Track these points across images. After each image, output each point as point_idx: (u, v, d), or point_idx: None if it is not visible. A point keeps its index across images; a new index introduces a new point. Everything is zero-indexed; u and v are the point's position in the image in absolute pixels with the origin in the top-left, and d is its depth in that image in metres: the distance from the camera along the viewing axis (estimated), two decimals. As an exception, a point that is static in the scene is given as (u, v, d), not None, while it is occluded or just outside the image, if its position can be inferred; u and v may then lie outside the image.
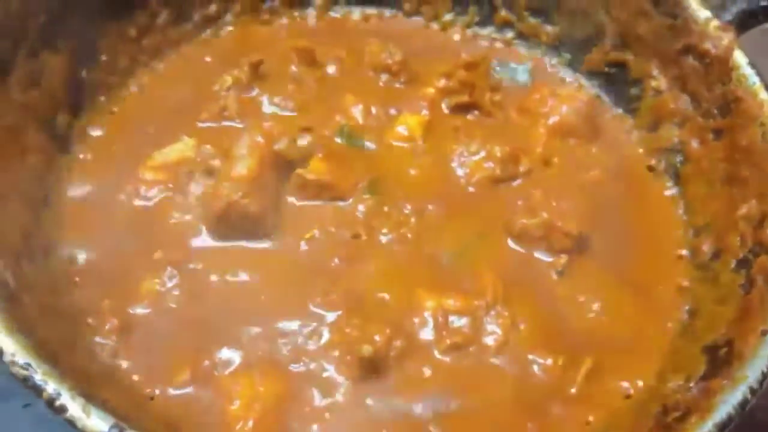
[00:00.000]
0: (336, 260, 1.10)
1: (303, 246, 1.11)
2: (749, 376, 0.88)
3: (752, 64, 1.17)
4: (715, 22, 1.21)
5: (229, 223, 1.09)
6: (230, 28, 1.40)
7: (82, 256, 1.07)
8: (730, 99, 1.17)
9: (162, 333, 1.01)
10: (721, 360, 0.95)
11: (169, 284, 1.05)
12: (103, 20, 1.25)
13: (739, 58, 1.17)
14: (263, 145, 1.14)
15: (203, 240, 1.10)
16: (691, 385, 0.95)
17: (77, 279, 1.05)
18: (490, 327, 1.05)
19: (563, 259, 1.13)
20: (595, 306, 1.10)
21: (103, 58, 1.26)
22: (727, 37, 1.19)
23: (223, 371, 0.99)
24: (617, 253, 1.17)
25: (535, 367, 1.02)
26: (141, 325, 1.02)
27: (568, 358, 1.03)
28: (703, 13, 1.22)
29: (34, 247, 1.03)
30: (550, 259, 1.14)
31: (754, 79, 1.15)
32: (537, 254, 1.14)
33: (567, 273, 1.12)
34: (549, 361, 1.03)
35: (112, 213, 1.12)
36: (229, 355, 1.00)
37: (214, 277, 1.07)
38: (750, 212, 1.09)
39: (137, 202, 1.13)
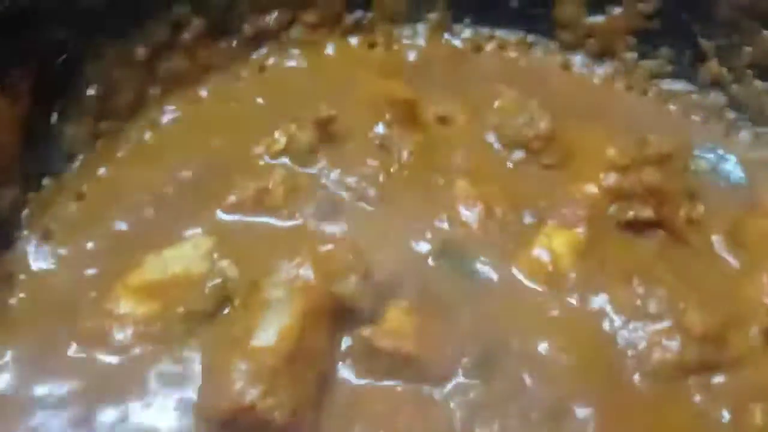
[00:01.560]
0: None
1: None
2: None
3: None
4: None
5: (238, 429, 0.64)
6: (295, 50, 0.92)
7: None
8: None
9: None
10: None
11: None
12: (92, 32, 0.78)
13: None
14: (315, 286, 0.68)
15: (196, 445, 0.66)
16: None
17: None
18: None
19: None
20: None
21: (90, 92, 0.80)
22: None
23: None
24: None
25: None
26: None
27: None
28: None
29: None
30: None
31: None
32: None
33: None
34: None
35: (57, 373, 0.68)
36: None
37: None
38: None
39: (95, 361, 0.69)
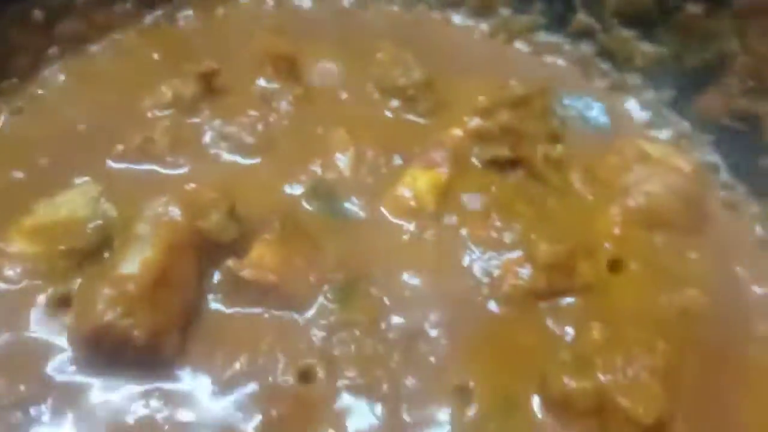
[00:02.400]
0: (260, 419, 0.70)
1: (218, 393, 0.72)
2: None
3: None
4: None
5: (103, 350, 0.70)
6: (188, 11, 0.98)
7: None
8: None
9: None
10: None
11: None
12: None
13: None
14: (179, 222, 0.74)
15: (68, 371, 0.71)
16: None
17: None
18: None
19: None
20: None
21: (-9, 52, 0.86)
22: None
23: None
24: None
25: None
26: None
27: None
28: None
29: None
30: (599, 450, 0.72)
31: None
32: (579, 435, 0.72)
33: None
34: None
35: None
36: None
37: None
38: None
39: (-8, 285, 0.75)
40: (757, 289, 0.84)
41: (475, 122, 0.89)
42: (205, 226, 0.76)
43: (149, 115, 0.89)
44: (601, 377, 0.72)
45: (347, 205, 0.85)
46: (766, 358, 0.79)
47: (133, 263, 0.72)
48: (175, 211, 0.75)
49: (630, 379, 0.72)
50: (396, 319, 0.78)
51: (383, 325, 0.77)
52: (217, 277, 0.77)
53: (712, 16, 0.89)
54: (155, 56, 0.94)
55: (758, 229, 0.88)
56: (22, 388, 0.70)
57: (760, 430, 0.75)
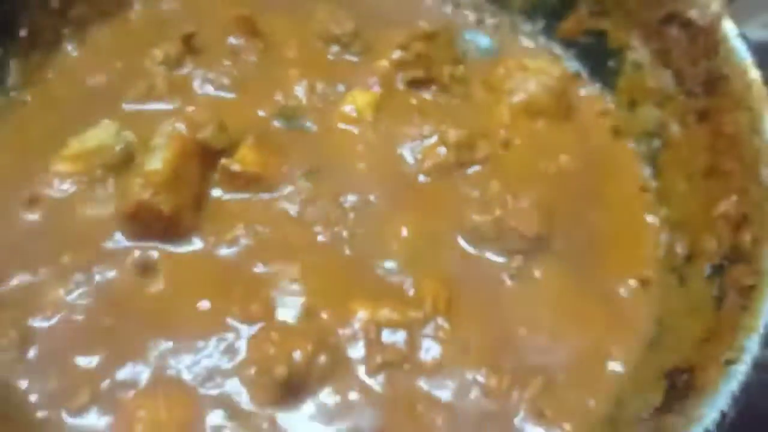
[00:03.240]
0: (260, 265, 0.97)
1: (223, 249, 0.99)
2: (706, 414, 0.74)
3: (743, 36, 1.00)
4: (702, -12, 1.04)
5: (142, 223, 0.97)
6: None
7: (-21, 261, 0.96)
8: (716, 76, 1.01)
9: (64, 347, 0.90)
10: (679, 390, 0.82)
11: (77, 292, 0.93)
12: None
13: (728, 28, 1.01)
14: (185, 135, 1.01)
15: (116, 241, 0.98)
16: (646, 416, 0.82)
17: (-25, 289, 0.94)
18: (427, 343, 0.92)
19: (517, 261, 1.00)
20: (552, 316, 0.96)
21: (22, 33, 1.12)
22: (714, 4, 1.02)
23: (125, 393, 0.88)
24: (580, 255, 1.03)
25: (476, 391, 0.90)
26: (42, 338, 0.91)
27: (514, 379, 0.91)
28: (688, -23, 1.05)
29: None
30: (503, 261, 1.00)
31: (743, 55, 0.99)
32: (489, 255, 1.01)
33: (521, 277, 0.99)
34: (492, 382, 0.90)
35: (15, 210, 1.00)
36: (134, 373, 0.89)
37: (125, 284, 0.95)
38: (729, 211, 0.94)
39: (47, 196, 1.01)
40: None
41: (396, 54, 1.17)
42: (203, 136, 1.03)
43: (148, 70, 1.15)
44: (498, 211, 1.01)
45: (306, 123, 1.13)
46: (618, 191, 1.09)
47: (156, 162, 0.98)
48: (181, 127, 1.02)
49: (517, 210, 1.01)
50: (350, 194, 1.05)
51: (341, 199, 1.04)
52: (216, 176, 1.05)
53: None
54: (147, 30, 1.21)
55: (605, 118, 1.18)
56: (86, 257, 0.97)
57: (614, 237, 1.05)
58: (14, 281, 0.94)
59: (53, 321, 0.92)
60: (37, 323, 0.92)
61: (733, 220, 0.93)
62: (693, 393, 0.78)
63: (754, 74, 0.97)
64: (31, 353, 0.90)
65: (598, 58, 1.19)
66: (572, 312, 0.97)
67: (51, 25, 1.15)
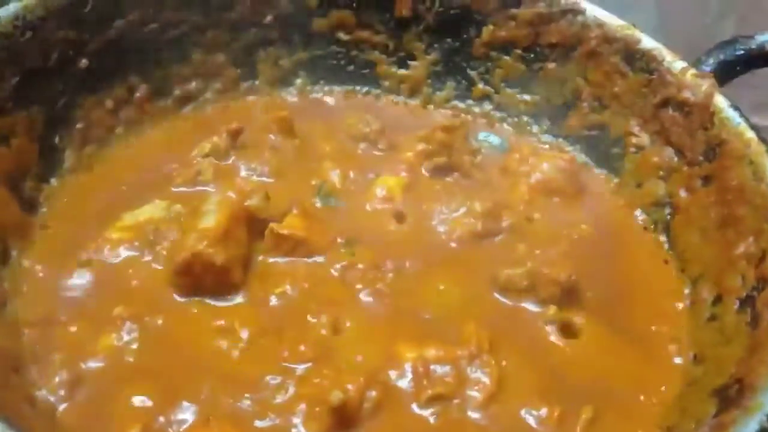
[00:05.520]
0: (308, 316, 0.98)
1: (273, 300, 1.00)
2: (764, 403, 0.74)
3: (734, 106, 1.10)
4: (692, 71, 1.15)
5: (193, 275, 0.98)
6: (211, 105, 1.35)
7: (35, 311, 0.95)
8: (715, 143, 1.09)
9: (115, 387, 0.88)
10: (732, 398, 0.81)
11: (128, 338, 0.93)
12: (79, 89, 1.19)
13: (720, 101, 1.11)
14: (234, 201, 1.05)
15: (167, 296, 0.99)
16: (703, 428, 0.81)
17: (26, 331, 0.93)
18: (476, 376, 0.91)
19: (552, 309, 1.01)
20: (590, 356, 0.97)
21: (79, 126, 1.19)
22: (705, 83, 1.13)
23: (178, 429, 0.85)
24: (610, 305, 1.05)
25: (529, 420, 0.88)
26: (93, 379, 0.89)
27: (564, 410, 0.89)
28: (678, 64, 1.17)
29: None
30: (539, 310, 1.02)
31: (737, 120, 1.07)
32: (525, 305, 1.02)
33: (558, 323, 1.00)
34: (543, 412, 0.88)
35: (72, 272, 1.02)
36: (187, 411, 0.86)
37: (175, 332, 0.94)
38: (749, 250, 0.98)
39: (100, 260, 1.03)
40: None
41: (420, 147, 1.25)
42: (251, 203, 1.07)
43: (195, 160, 1.22)
44: (529, 263, 1.04)
45: (341, 203, 1.18)
46: (638, 254, 1.13)
47: (209, 221, 1.01)
48: (231, 195, 1.07)
49: (548, 259, 1.04)
50: (387, 259, 1.08)
51: (379, 263, 1.08)
52: (262, 244, 1.08)
53: (562, 67, 1.31)
54: (195, 129, 1.28)
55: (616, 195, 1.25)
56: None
57: (640, 292, 1.07)
58: (68, 328, 0.93)
59: (104, 363, 0.90)
60: (88, 365, 0.90)
61: (755, 256, 0.96)
62: (747, 392, 0.78)
63: (751, 134, 1.05)
64: (82, 393, 0.88)
65: (603, 147, 1.28)
66: (610, 351, 0.97)
67: (104, 122, 1.23)
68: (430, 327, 0.98)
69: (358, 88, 1.43)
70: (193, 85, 1.34)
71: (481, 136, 1.35)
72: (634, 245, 1.16)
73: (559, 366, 0.96)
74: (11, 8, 1.08)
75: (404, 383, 0.90)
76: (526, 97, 1.36)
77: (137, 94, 1.27)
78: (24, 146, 1.10)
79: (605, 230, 1.16)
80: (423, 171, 1.24)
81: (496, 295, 1.04)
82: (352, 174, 1.22)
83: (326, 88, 1.42)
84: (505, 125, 1.38)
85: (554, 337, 0.99)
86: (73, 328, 0.94)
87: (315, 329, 0.96)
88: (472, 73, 1.39)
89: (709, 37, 1.29)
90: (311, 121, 1.31)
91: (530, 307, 1.02)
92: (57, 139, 1.16)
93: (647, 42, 1.22)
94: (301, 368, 0.91)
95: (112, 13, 1.21)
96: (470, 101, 1.40)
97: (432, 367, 0.91)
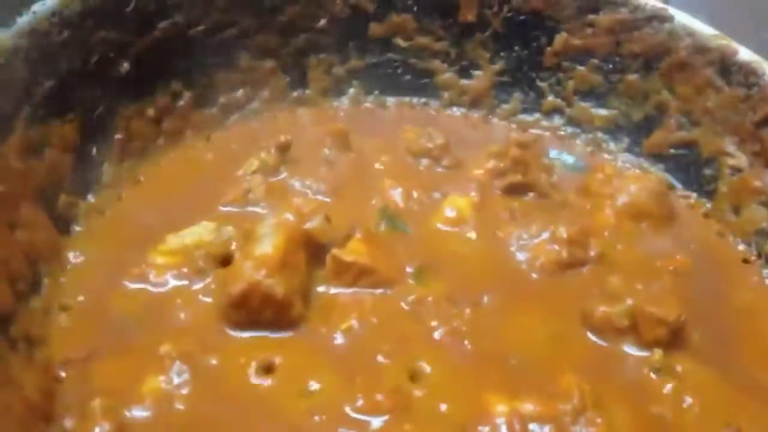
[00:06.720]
0: (380, 357, 0.85)
1: (339, 338, 0.87)
2: None
3: None
4: (799, 86, 1.02)
5: (250, 308, 0.85)
6: (257, 115, 1.22)
7: (71, 349, 0.82)
8: (828, 167, 0.96)
9: (163, 442, 0.75)
10: None
11: (177, 381, 0.80)
12: (119, 96, 1.06)
13: (835, 119, 0.97)
14: (293, 223, 0.93)
15: (220, 331, 0.86)
16: None
17: (62, 374, 0.80)
18: (581, 436, 0.78)
19: (658, 354, 0.87)
20: (703, 406, 0.83)
21: (118, 136, 1.07)
22: (816, 100, 0.99)
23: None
24: (718, 346, 0.91)
25: (645, 487, 0.75)
26: (139, 430, 0.76)
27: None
28: (783, 78, 1.04)
29: (13, 335, 0.79)
30: (642, 354, 0.88)
31: None
32: (625, 348, 0.89)
33: (665, 371, 0.86)
34: (660, 479, 0.75)
35: (112, 302, 0.89)
36: (244, 470, 0.73)
37: (230, 374, 0.81)
38: None
39: (144, 289, 0.90)
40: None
41: (491, 164, 1.12)
42: (311, 226, 0.94)
43: (243, 178, 1.09)
44: (629, 300, 0.91)
45: (406, 226, 1.04)
46: (741, 291, 1.00)
47: (266, 247, 0.88)
48: (290, 217, 0.94)
49: (652, 296, 0.91)
50: (462, 291, 0.95)
51: (454, 296, 0.94)
52: (322, 272, 0.95)
53: (645, 79, 1.18)
54: (241, 143, 1.16)
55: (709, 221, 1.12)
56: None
57: (749, 335, 0.94)
58: (109, 369, 0.80)
59: (151, 412, 0.77)
60: (134, 413, 0.77)
61: None
62: None
63: None
64: (127, 449, 0.75)
65: (692, 168, 1.15)
66: (725, 401, 0.84)
67: (146, 132, 1.10)
68: (520, 373, 0.85)
69: (415, 99, 1.30)
70: (239, 93, 1.21)
71: (553, 153, 1.22)
72: (734, 278, 1.03)
73: (668, 418, 0.82)
74: (48, 3, 0.95)
75: (499, 442, 0.76)
76: (603, 111, 1.23)
77: (181, 103, 1.14)
78: (58, 158, 0.97)
79: (703, 261, 1.03)
80: (494, 190, 1.10)
81: (589, 335, 0.91)
82: (415, 193, 1.09)
83: (380, 99, 1.29)
84: (577, 141, 1.24)
85: (661, 387, 0.85)
86: (114, 368, 0.81)
87: (390, 374, 0.82)
88: (542, 85, 1.26)
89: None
90: (365, 134, 1.18)
91: (630, 350, 0.89)
92: (94, 151, 1.04)
93: (745, 54, 1.09)
94: (377, 421, 0.78)
95: (157, 13, 1.09)
96: (539, 115, 1.27)
97: (530, 426, 0.77)
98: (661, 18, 1.15)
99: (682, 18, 1.14)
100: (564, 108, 1.26)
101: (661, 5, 1.15)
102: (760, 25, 1.64)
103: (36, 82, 0.94)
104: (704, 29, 1.13)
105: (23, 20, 0.94)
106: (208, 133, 1.17)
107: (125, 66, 1.06)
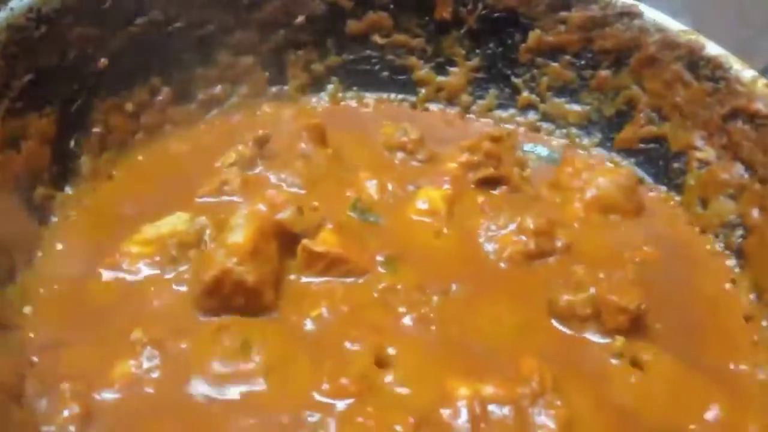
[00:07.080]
0: (347, 342, 0.87)
1: (308, 325, 0.89)
2: None
3: (814, 118, 0.98)
4: (763, 80, 1.04)
5: (222, 294, 0.87)
6: (236, 111, 1.24)
7: (44, 334, 0.84)
8: (793, 159, 0.98)
9: (132, 423, 0.77)
10: None
11: (147, 365, 0.81)
12: (97, 90, 1.08)
13: (798, 113, 0.99)
14: (264, 214, 0.94)
15: (192, 317, 0.88)
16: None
17: (35, 359, 0.81)
18: (541, 419, 0.79)
19: (620, 341, 0.89)
20: (667, 394, 0.85)
21: (96, 130, 1.08)
22: (780, 94, 1.01)
23: (203, 475, 0.73)
24: (681, 338, 0.93)
25: (602, 469, 0.76)
26: (107, 412, 0.77)
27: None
28: (748, 72, 1.06)
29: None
30: (604, 341, 0.90)
31: (820, 133, 0.96)
32: (588, 336, 0.91)
33: (627, 357, 0.88)
34: (618, 461, 0.77)
35: (87, 290, 0.90)
36: (213, 452, 0.75)
37: (201, 359, 0.83)
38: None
39: (119, 278, 0.91)
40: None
41: (464, 157, 1.14)
42: (282, 216, 0.96)
43: (220, 170, 1.11)
44: (592, 289, 0.93)
45: (380, 218, 1.06)
46: (707, 282, 1.01)
47: (237, 236, 0.90)
48: (262, 207, 0.95)
49: (613, 285, 0.92)
50: (431, 280, 0.97)
51: (423, 284, 0.96)
52: (293, 262, 0.96)
53: (616, 75, 1.20)
54: (218, 138, 1.18)
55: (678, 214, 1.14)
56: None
57: (713, 327, 0.95)
58: (79, 354, 0.82)
59: (120, 394, 0.79)
60: (103, 396, 0.79)
61: None
62: None
63: (836, 148, 0.94)
64: (94, 430, 0.76)
65: (661, 162, 1.17)
66: (689, 389, 0.86)
67: (124, 126, 1.12)
68: (484, 359, 0.87)
69: (393, 95, 1.32)
70: (218, 89, 1.23)
71: (527, 147, 1.24)
72: (701, 269, 1.05)
73: (630, 404, 0.84)
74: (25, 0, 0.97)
75: (459, 424, 0.78)
76: (576, 107, 1.25)
77: (159, 98, 1.16)
78: (35, 150, 0.99)
79: (670, 253, 1.05)
80: (467, 183, 1.12)
81: (554, 323, 0.93)
82: (390, 186, 1.10)
83: (359, 95, 1.31)
84: (551, 137, 1.26)
85: (623, 373, 0.87)
86: (86, 353, 0.83)
87: (357, 359, 0.84)
88: (517, 81, 1.28)
89: (750, 52, 1.19)
90: (343, 130, 1.20)
91: (593, 337, 0.91)
92: (72, 144, 1.05)
93: (712, 48, 1.11)
94: (342, 404, 0.79)
95: (135, 9, 1.11)
96: (513, 110, 1.29)
97: (490, 407, 0.79)
98: (632, 14, 1.17)
99: (651, 14, 1.16)
100: (538, 104, 1.27)
101: (631, 1, 1.17)
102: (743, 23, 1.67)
103: (14, 76, 0.96)
104: (673, 25, 1.15)
105: (0, 16, 0.95)
106: (186, 127, 1.18)
107: (103, 61, 1.08)
